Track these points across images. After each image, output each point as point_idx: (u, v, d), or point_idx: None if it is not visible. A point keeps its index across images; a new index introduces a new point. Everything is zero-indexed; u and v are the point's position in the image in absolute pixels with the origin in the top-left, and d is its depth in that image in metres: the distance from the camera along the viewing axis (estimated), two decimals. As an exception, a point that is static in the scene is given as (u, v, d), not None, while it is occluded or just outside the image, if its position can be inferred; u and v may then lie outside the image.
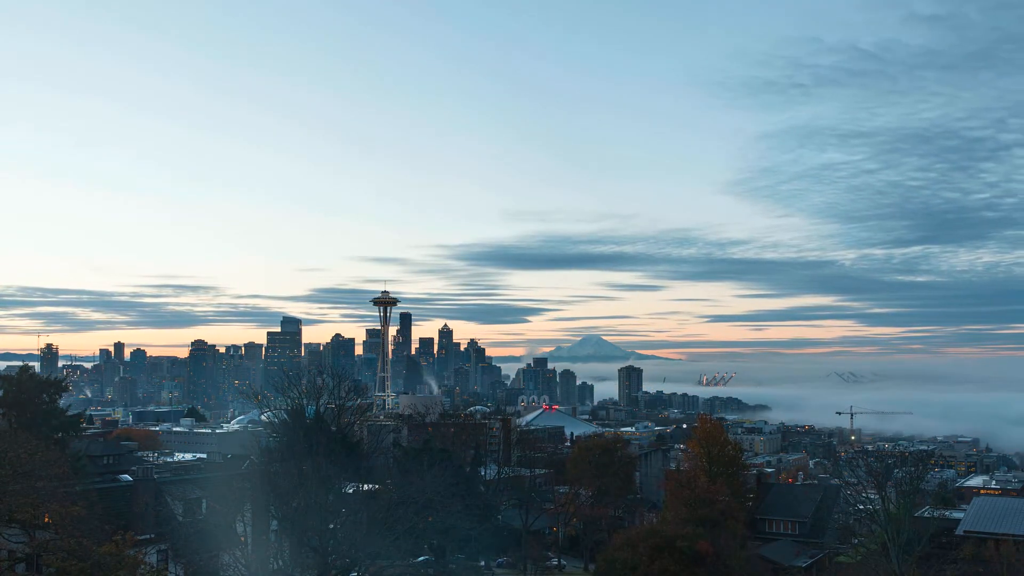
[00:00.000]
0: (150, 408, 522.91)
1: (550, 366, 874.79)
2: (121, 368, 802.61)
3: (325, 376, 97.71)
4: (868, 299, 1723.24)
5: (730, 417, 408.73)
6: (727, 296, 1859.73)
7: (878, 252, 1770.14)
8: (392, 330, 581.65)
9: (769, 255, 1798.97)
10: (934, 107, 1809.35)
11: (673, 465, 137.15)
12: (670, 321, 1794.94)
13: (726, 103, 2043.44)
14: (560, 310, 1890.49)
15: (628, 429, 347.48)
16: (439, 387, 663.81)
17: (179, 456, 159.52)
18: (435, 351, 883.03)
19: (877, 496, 75.26)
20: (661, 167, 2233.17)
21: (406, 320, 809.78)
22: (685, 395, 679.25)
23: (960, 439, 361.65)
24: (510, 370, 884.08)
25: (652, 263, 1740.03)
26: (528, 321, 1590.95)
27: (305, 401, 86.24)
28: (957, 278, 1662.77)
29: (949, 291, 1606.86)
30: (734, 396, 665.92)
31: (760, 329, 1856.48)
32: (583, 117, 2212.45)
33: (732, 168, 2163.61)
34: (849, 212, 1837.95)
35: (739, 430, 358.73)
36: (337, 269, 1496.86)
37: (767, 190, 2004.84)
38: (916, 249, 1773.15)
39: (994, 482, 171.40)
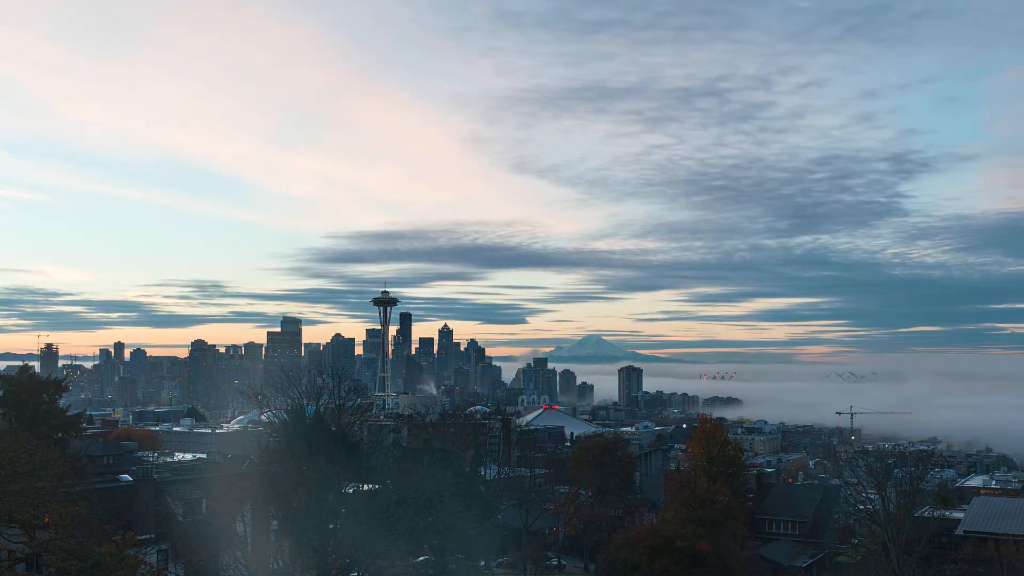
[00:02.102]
0: (150, 408, 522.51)
1: (550, 366, 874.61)
2: (121, 368, 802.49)
3: (325, 376, 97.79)
4: (866, 298, 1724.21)
5: (730, 417, 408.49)
6: (727, 296, 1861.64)
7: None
8: (392, 330, 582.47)
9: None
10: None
11: (673, 465, 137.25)
12: (670, 321, 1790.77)
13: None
14: (561, 310, 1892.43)
15: (628, 429, 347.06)
16: (439, 387, 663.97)
17: (179, 456, 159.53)
18: (435, 351, 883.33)
19: (877, 496, 75.25)
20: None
21: (406, 320, 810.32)
22: (685, 395, 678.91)
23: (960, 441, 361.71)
24: (510, 370, 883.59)
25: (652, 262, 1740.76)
26: (528, 321, 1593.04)
27: (305, 401, 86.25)
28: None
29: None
30: (734, 396, 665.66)
31: (761, 330, 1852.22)
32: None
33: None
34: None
35: (739, 430, 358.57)
36: (337, 270, 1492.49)
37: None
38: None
39: (994, 482, 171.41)
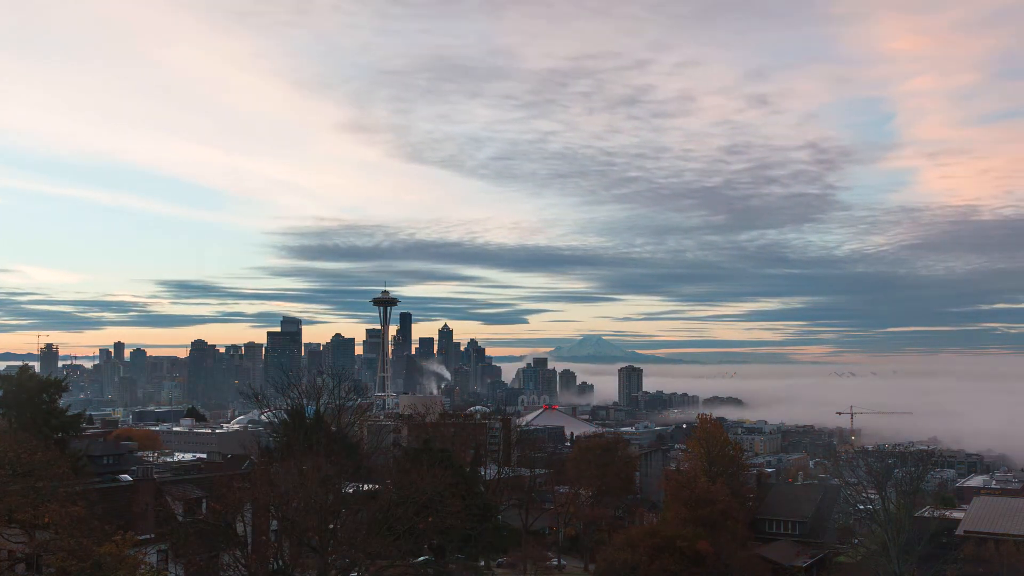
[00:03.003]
0: (150, 408, 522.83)
1: (550, 366, 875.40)
2: (121, 368, 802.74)
3: (325, 376, 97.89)
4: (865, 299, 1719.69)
5: (730, 417, 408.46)
6: (726, 296, 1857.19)
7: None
8: (392, 329, 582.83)
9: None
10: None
11: (673, 465, 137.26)
12: (670, 321, 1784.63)
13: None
14: (560, 310, 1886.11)
15: (628, 429, 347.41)
16: (439, 387, 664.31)
17: (179, 456, 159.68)
18: (435, 351, 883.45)
19: (877, 496, 75.29)
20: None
21: (406, 320, 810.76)
22: (685, 395, 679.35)
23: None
24: (510, 370, 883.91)
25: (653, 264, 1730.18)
26: (528, 321, 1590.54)
27: (305, 401, 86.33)
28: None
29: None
30: (734, 396, 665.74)
31: (761, 330, 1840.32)
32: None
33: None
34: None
35: (739, 430, 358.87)
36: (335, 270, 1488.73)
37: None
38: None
39: (994, 482, 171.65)
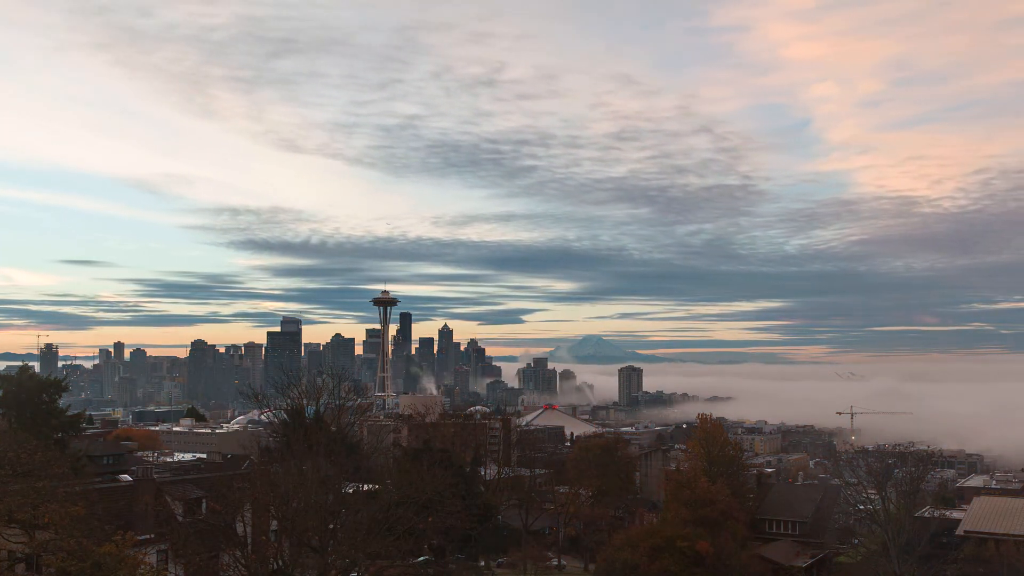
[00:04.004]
0: (150, 408, 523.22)
1: (550, 366, 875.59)
2: (121, 368, 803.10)
3: (325, 376, 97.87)
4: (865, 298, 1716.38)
5: (731, 417, 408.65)
6: (726, 296, 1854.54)
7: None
8: (392, 329, 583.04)
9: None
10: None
11: (673, 465, 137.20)
12: (670, 322, 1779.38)
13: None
14: (560, 310, 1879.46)
15: (628, 429, 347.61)
16: (439, 387, 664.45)
17: (179, 456, 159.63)
18: (435, 351, 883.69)
19: (877, 496, 75.34)
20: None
21: (406, 320, 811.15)
22: (685, 395, 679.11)
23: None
24: (510, 370, 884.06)
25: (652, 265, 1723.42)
26: (528, 321, 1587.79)
27: (305, 401, 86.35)
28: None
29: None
30: (734, 396, 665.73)
31: (761, 330, 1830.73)
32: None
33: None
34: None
35: (739, 430, 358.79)
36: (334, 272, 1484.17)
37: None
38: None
39: (994, 482, 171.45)
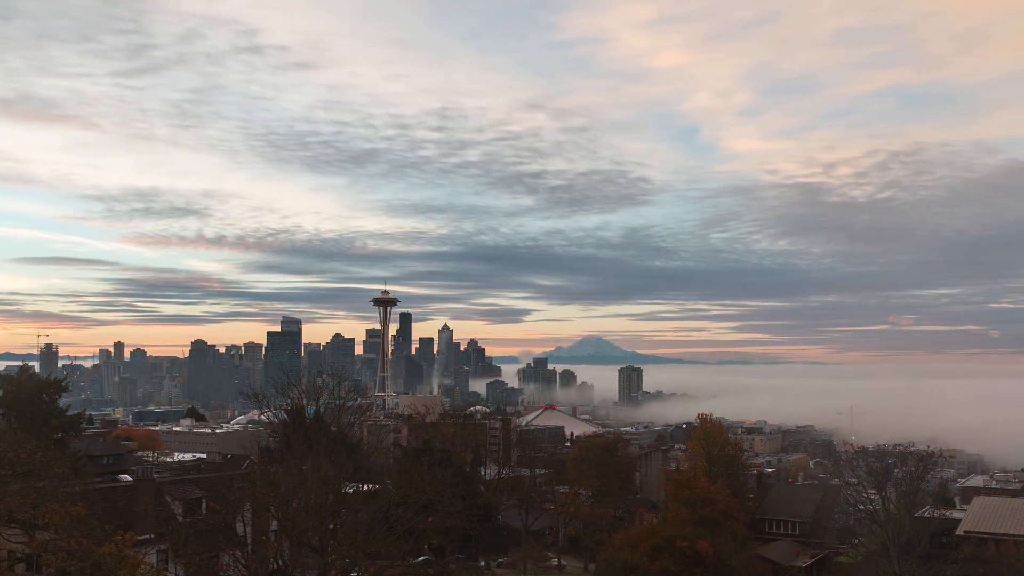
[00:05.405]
0: (150, 408, 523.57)
1: (550, 366, 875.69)
2: (121, 368, 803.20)
3: (325, 376, 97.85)
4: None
5: (730, 417, 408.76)
6: (724, 297, 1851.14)
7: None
8: (392, 329, 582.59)
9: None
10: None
11: (673, 465, 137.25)
12: (670, 322, 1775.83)
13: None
14: (560, 310, 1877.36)
15: (628, 429, 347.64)
16: (439, 387, 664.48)
17: (179, 456, 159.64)
18: (435, 351, 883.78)
19: (877, 496, 75.32)
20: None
21: (406, 320, 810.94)
22: (685, 395, 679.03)
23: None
24: (510, 370, 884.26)
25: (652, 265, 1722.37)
26: (527, 321, 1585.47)
27: (305, 401, 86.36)
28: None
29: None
30: (734, 396, 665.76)
31: (763, 331, 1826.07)
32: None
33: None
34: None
35: (739, 430, 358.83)
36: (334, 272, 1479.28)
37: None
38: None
39: (994, 482, 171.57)
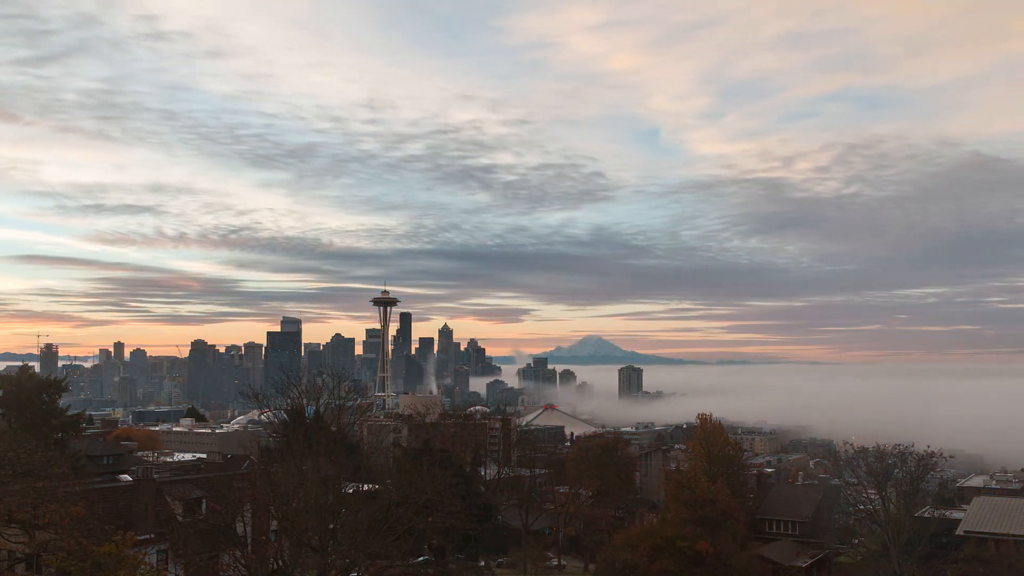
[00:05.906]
0: (150, 408, 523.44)
1: (550, 366, 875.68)
2: (121, 368, 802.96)
3: (325, 376, 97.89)
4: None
5: (730, 417, 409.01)
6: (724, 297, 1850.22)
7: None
8: (392, 329, 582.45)
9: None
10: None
11: (673, 465, 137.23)
12: (670, 322, 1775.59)
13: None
14: (559, 310, 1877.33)
15: (628, 429, 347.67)
16: (439, 387, 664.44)
17: (179, 456, 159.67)
18: (435, 351, 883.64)
19: (877, 496, 75.35)
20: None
21: (406, 320, 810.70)
22: (685, 395, 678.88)
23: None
24: (510, 370, 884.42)
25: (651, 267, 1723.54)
26: (528, 321, 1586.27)
27: (305, 401, 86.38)
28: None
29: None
30: (733, 396, 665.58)
31: (759, 331, 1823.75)
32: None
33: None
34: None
35: (739, 430, 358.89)
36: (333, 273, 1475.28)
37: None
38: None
39: (994, 482, 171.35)
